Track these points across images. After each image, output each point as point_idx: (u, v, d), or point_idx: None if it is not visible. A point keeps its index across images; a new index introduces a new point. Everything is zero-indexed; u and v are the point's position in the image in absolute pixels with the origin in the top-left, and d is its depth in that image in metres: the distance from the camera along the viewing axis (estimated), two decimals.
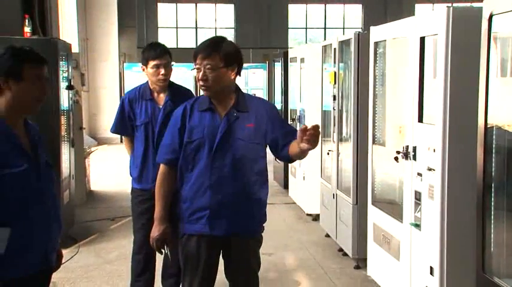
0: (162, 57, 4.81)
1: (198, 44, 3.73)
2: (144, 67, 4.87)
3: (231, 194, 3.57)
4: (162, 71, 4.80)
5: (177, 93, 4.93)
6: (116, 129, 5.14)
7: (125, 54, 19.79)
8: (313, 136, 3.18)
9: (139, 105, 4.91)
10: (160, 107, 4.87)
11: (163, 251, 3.74)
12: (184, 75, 17.46)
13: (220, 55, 3.50)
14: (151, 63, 4.79)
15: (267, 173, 3.76)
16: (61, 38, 8.16)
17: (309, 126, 3.20)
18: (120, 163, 10.34)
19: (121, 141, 7.63)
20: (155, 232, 3.67)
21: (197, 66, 3.53)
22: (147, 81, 4.97)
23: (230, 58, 3.54)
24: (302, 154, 3.49)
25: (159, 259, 4.92)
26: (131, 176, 5.04)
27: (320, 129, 3.28)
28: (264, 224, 3.78)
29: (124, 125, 5.00)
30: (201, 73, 3.51)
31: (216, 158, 3.56)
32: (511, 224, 3.56)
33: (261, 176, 3.69)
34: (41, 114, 3.52)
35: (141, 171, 4.91)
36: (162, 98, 4.92)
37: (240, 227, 3.64)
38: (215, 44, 3.55)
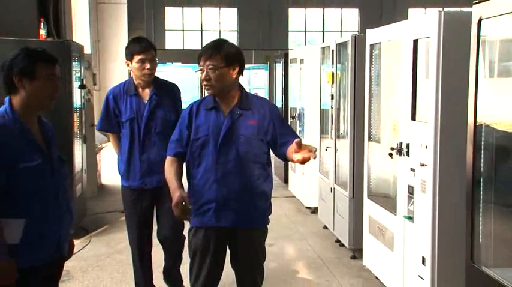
0: (147, 52, 4.53)
1: (203, 46, 3.74)
2: (129, 62, 4.58)
3: (236, 188, 3.58)
4: (148, 65, 4.52)
5: (161, 88, 4.72)
6: (101, 126, 4.85)
7: None
8: (306, 159, 3.26)
9: (124, 101, 4.64)
10: (146, 102, 4.62)
11: (188, 216, 3.54)
12: (190, 75, 17.54)
13: (221, 56, 3.51)
14: (137, 57, 4.50)
15: (270, 168, 3.76)
16: (74, 40, 8.17)
17: (311, 148, 3.26)
18: None
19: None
20: (175, 197, 3.46)
21: (201, 67, 3.56)
22: (132, 77, 4.71)
23: (231, 58, 3.56)
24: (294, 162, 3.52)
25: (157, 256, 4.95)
26: (119, 173, 4.79)
27: (316, 152, 3.31)
28: (269, 216, 3.78)
29: (110, 121, 4.73)
30: (204, 74, 3.53)
31: (220, 154, 3.57)
32: (498, 217, 3.56)
33: (265, 170, 3.69)
34: (55, 112, 3.53)
35: (127, 166, 4.67)
36: (147, 93, 4.65)
37: (245, 218, 3.64)
38: (216, 46, 3.57)
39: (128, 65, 4.61)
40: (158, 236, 4.91)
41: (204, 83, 3.56)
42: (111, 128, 4.77)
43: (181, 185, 3.62)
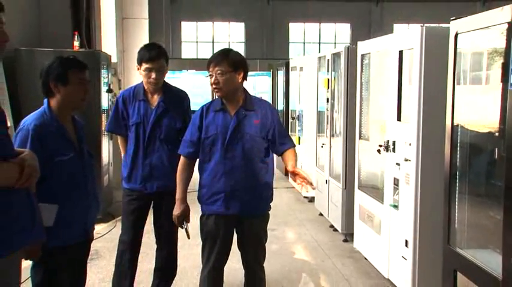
0: (155, 61, 4.05)
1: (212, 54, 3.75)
2: (139, 67, 4.12)
3: (243, 180, 3.57)
4: (153, 75, 4.05)
5: (170, 95, 4.24)
6: (110, 128, 4.41)
7: None
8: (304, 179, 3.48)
9: (133, 105, 4.18)
10: (153, 108, 4.15)
11: (183, 226, 3.72)
12: (202, 81, 17.56)
13: (228, 62, 3.51)
14: (144, 65, 4.05)
15: (272, 161, 3.74)
16: (103, 50, 8.17)
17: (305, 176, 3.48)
18: None
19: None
20: (177, 210, 3.67)
21: (210, 73, 3.56)
22: (142, 81, 4.23)
23: (236, 64, 3.55)
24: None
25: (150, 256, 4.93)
26: (123, 174, 4.30)
27: (308, 176, 3.50)
28: (270, 203, 3.78)
29: (118, 124, 4.24)
30: (213, 78, 3.53)
31: (228, 150, 3.55)
32: (471, 205, 3.57)
33: (265, 163, 3.66)
34: (85, 113, 3.56)
35: (130, 170, 4.20)
36: (155, 99, 4.17)
37: (250, 207, 3.63)
38: (223, 54, 3.58)
39: (138, 69, 4.17)
40: (155, 234, 4.45)
41: (213, 86, 3.56)
42: (119, 129, 4.28)
43: (186, 197, 3.70)
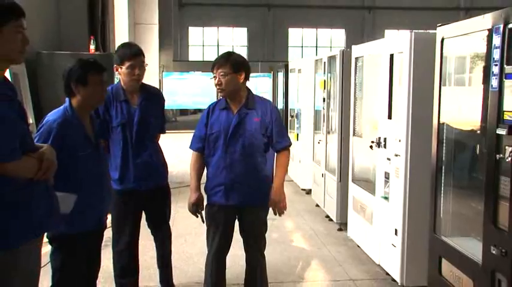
0: (137, 58, 3.82)
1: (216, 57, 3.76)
2: (119, 67, 3.82)
3: (242, 173, 3.57)
4: (137, 71, 3.81)
5: (148, 93, 3.98)
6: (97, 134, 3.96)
7: (164, 66, 19.78)
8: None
9: (114, 106, 3.84)
10: (135, 107, 3.87)
11: (198, 214, 3.72)
12: (208, 82, 17.54)
13: (230, 64, 3.53)
14: (127, 63, 3.78)
15: (272, 155, 3.71)
16: None
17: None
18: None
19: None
20: (191, 198, 3.67)
21: (214, 75, 3.57)
22: (119, 82, 3.93)
23: (238, 66, 3.56)
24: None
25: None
26: (112, 177, 3.82)
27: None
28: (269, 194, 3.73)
29: (101, 127, 3.70)
30: (216, 79, 3.55)
31: (229, 146, 3.57)
32: (455, 197, 3.59)
33: (264, 157, 3.65)
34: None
35: (122, 172, 3.85)
36: (135, 98, 3.89)
37: (250, 198, 3.64)
38: (226, 56, 3.60)
39: (116, 69, 3.86)
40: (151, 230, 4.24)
41: (217, 87, 3.57)
42: (103, 134, 3.72)
43: (199, 187, 3.69)
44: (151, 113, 3.98)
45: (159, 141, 4.17)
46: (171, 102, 18.86)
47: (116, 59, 3.83)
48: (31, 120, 5.83)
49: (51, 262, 3.10)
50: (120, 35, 9.94)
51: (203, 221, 3.74)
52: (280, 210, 3.63)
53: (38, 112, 6.05)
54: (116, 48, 4.17)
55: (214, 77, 3.58)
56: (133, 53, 3.82)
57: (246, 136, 3.58)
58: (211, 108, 3.71)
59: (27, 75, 6.14)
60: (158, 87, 17.42)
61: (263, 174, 3.66)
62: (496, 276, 2.85)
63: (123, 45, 4.06)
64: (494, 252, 2.81)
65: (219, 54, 3.71)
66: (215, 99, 3.91)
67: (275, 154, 3.70)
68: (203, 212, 3.72)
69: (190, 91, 18.30)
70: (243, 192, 3.61)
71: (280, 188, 3.62)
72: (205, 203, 3.74)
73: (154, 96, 4.06)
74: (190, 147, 3.76)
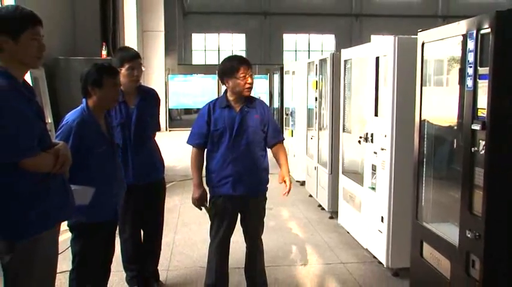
0: (136, 59, 3.73)
1: (221, 60, 3.71)
2: (120, 69, 3.63)
3: (246, 166, 3.57)
4: (136, 72, 3.71)
5: (145, 93, 3.89)
6: None
7: (169, 69, 19.74)
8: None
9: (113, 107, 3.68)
10: (132, 107, 3.77)
11: (202, 208, 3.68)
12: (209, 83, 17.58)
13: (251, 67, 3.58)
14: (127, 65, 3.67)
15: (266, 149, 3.74)
16: None
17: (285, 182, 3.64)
18: (165, 146, 10.31)
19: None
20: (195, 194, 3.63)
21: (243, 74, 3.49)
22: None
23: None
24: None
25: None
26: None
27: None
28: (268, 186, 3.77)
29: None
30: (250, 79, 3.52)
31: (235, 141, 3.54)
32: (435, 186, 3.59)
33: (263, 151, 3.68)
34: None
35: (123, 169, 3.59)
36: (132, 98, 3.78)
37: (253, 188, 3.64)
38: (247, 59, 3.61)
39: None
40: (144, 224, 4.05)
41: (248, 86, 3.52)
42: None
43: (202, 183, 3.63)
44: (148, 113, 3.88)
45: (156, 139, 4.07)
46: (176, 102, 18.94)
47: (116, 62, 3.71)
48: (49, 120, 5.86)
49: (72, 247, 3.13)
50: (130, 41, 9.96)
51: (208, 213, 3.70)
52: (290, 186, 3.67)
53: (56, 112, 6.09)
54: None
55: (243, 75, 3.49)
56: (132, 56, 3.74)
57: (249, 132, 3.57)
58: (211, 106, 3.64)
59: (46, 78, 6.18)
60: (164, 88, 17.47)
61: (263, 166, 3.68)
62: (470, 257, 2.88)
63: (122, 49, 3.98)
64: (469, 235, 2.84)
65: (238, 56, 3.67)
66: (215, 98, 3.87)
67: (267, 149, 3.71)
68: (207, 204, 3.69)
69: (193, 92, 18.30)
70: (248, 182, 3.59)
71: (288, 170, 3.70)
72: (208, 196, 3.70)
73: (150, 96, 3.95)
74: (189, 142, 3.67)
